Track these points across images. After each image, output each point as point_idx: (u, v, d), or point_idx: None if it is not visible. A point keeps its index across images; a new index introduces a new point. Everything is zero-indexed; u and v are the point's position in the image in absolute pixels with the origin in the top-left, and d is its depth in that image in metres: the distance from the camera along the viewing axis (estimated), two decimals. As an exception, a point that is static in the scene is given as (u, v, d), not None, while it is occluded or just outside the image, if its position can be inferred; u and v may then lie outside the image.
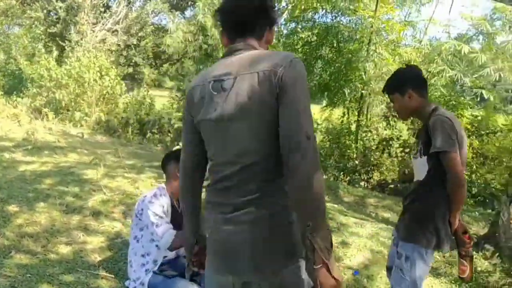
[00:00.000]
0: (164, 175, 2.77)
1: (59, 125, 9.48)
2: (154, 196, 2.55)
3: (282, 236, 1.39)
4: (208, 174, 1.53)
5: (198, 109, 1.46)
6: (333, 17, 10.80)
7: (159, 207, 2.52)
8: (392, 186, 6.80)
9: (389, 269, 2.43)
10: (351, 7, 10.15)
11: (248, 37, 1.46)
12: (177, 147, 4.69)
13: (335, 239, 3.92)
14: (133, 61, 19.19)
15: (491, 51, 10.10)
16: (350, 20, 10.83)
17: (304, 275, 1.40)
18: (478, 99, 9.13)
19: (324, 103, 10.71)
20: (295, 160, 1.26)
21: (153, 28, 19.63)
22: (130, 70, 18.84)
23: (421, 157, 2.23)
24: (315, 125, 6.85)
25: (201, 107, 1.45)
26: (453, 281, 3.31)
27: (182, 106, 12.56)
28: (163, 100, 13.18)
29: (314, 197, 1.28)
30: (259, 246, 1.38)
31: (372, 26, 9.26)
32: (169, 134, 9.14)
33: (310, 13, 10.08)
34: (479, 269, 3.45)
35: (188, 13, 22.08)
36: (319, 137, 9.94)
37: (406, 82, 2.28)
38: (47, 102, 11.10)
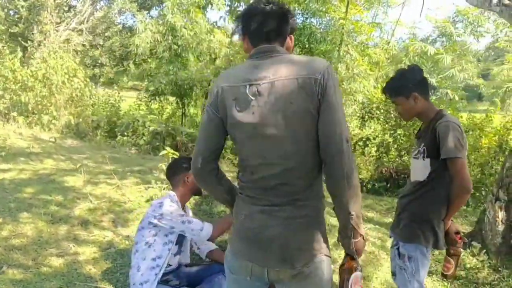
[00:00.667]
0: (162, 182, 2.76)
1: (28, 129, 9.11)
2: (170, 201, 2.59)
3: (312, 234, 1.51)
4: (241, 174, 1.59)
5: (230, 111, 1.48)
6: (305, 19, 10.96)
7: (178, 210, 2.58)
8: (369, 185, 6.93)
9: (394, 274, 2.42)
10: (322, 8, 10.33)
11: (272, 43, 1.51)
12: (164, 152, 4.61)
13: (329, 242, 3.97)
14: (99, 61, 18.69)
15: (455, 52, 10.56)
16: (321, 22, 11.03)
17: (326, 268, 1.54)
18: (445, 98, 9.51)
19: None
20: (338, 162, 1.39)
21: (120, 28, 19.18)
22: (97, 71, 18.34)
23: (423, 159, 2.22)
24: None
25: (235, 109, 1.47)
26: (444, 279, 3.38)
27: (149, 108, 12.44)
28: (127, 101, 12.81)
29: (355, 192, 1.44)
30: (290, 241, 1.48)
31: (343, 28, 9.44)
32: (143, 137, 8.93)
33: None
34: (468, 266, 3.58)
35: (153, 12, 21.76)
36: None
37: (411, 85, 2.22)
38: (12, 105, 10.64)
